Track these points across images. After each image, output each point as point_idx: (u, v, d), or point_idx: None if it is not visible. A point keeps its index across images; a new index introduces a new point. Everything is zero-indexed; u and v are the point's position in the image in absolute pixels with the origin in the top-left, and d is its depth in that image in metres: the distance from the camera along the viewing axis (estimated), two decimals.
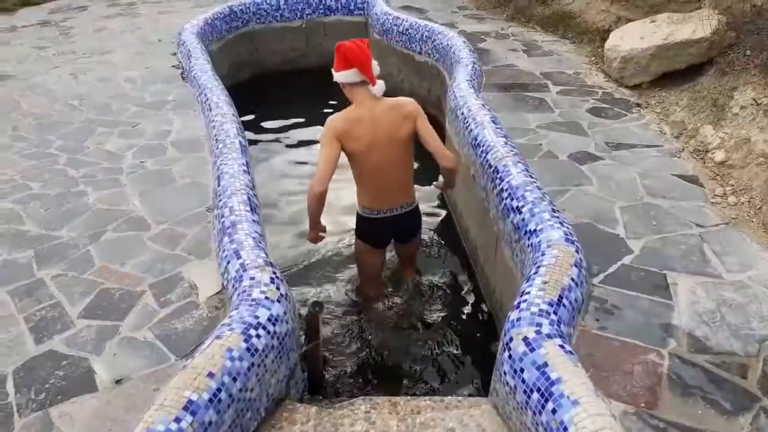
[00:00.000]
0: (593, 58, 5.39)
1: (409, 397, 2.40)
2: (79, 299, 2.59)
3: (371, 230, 3.14)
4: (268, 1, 7.05)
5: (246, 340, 2.08)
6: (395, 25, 6.24)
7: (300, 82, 6.87)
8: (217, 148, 3.62)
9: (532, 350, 2.04)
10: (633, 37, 4.84)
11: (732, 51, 4.37)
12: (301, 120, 6.02)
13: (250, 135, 5.53)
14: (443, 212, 4.56)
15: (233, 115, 4.12)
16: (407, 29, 6.07)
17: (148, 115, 4.53)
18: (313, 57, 7.34)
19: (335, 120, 2.80)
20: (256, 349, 2.10)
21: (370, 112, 2.84)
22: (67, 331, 2.42)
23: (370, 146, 2.82)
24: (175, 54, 5.89)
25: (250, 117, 6.11)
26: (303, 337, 2.66)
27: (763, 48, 4.04)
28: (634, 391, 2.09)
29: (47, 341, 2.37)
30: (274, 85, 6.89)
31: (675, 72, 4.61)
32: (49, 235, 3.06)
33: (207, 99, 4.38)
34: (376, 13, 6.64)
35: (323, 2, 7.16)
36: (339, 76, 2.83)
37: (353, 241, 4.05)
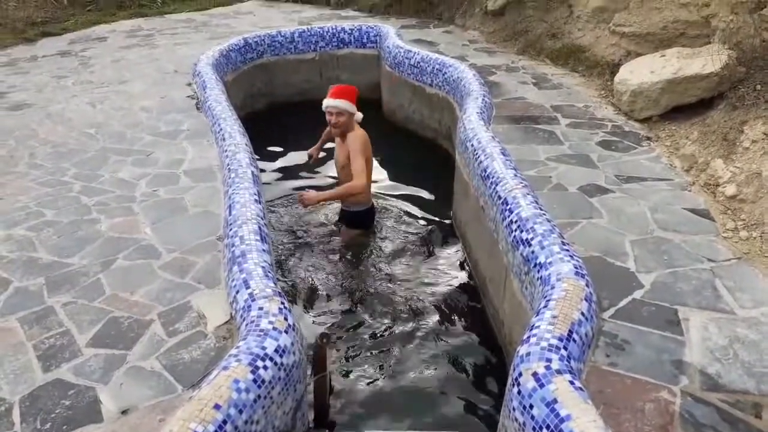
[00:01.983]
0: (603, 92, 5.42)
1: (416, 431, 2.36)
2: (88, 327, 2.60)
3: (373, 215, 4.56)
4: (282, 34, 7.20)
5: (253, 372, 2.08)
6: (407, 58, 6.34)
7: (313, 114, 6.94)
8: (230, 177, 3.66)
9: (541, 386, 2.01)
10: (643, 71, 4.87)
11: (742, 85, 4.38)
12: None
13: (262, 164, 5.59)
14: (453, 243, 4.55)
15: (246, 144, 4.17)
16: (419, 62, 6.16)
17: (163, 144, 4.60)
18: (327, 89, 7.43)
19: (366, 136, 4.16)
20: (263, 381, 2.09)
21: None
22: (74, 360, 2.42)
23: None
24: (190, 84, 6.00)
25: (264, 147, 6.20)
26: (310, 368, 2.65)
27: None
28: (646, 430, 2.05)
29: (55, 370, 2.37)
30: (288, 116, 6.98)
31: (685, 106, 4.62)
32: (61, 263, 3.09)
33: (221, 129, 4.45)
34: (388, 46, 6.75)
35: (336, 35, 7.30)
36: (358, 114, 4.24)
37: (357, 269, 4.10)
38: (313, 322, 3.70)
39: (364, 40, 7.31)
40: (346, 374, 3.28)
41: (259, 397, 2.06)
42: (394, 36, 6.92)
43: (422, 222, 4.85)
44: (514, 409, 2.10)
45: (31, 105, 5.58)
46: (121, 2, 10.40)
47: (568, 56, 6.27)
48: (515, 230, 3.02)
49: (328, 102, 4.21)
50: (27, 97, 5.81)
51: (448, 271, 4.25)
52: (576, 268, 2.62)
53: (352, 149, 4.11)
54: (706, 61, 4.54)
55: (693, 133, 4.29)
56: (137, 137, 4.75)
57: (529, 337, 2.24)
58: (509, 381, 2.20)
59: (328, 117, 4.21)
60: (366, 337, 3.57)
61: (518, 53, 6.85)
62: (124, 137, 4.75)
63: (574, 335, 2.25)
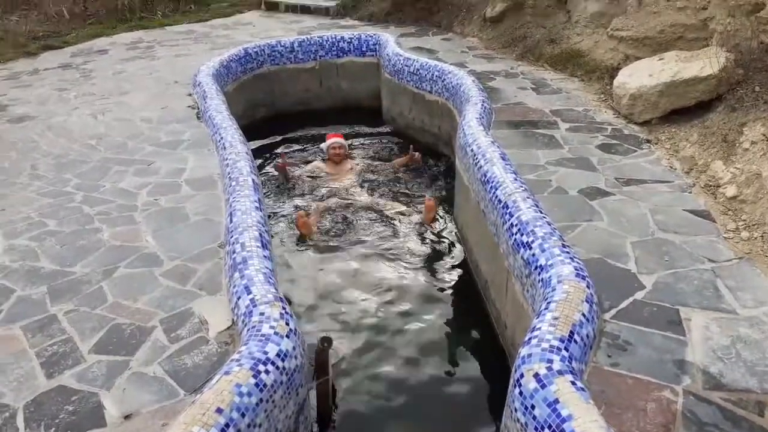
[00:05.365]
0: (602, 96, 5.44)
1: None
2: (91, 335, 2.61)
3: None
4: (282, 44, 7.23)
5: (255, 376, 2.08)
6: (406, 65, 6.37)
7: (313, 122, 7.00)
8: (230, 185, 3.68)
9: (543, 387, 2.02)
10: (641, 75, 4.89)
11: (741, 87, 4.40)
12: (312, 159, 6.13)
13: (263, 172, 5.63)
14: (455, 247, 4.56)
15: (246, 153, 4.19)
16: (418, 69, 6.19)
17: (164, 154, 4.62)
18: (327, 98, 7.50)
19: None
20: (265, 385, 2.10)
21: None
22: (77, 366, 2.43)
23: None
24: (191, 95, 6.03)
25: (265, 154, 6.23)
26: (312, 372, 2.65)
27: None
28: (648, 429, 2.05)
29: (58, 376, 2.38)
30: (289, 125, 7.02)
31: (684, 108, 4.63)
32: (64, 271, 3.10)
33: (221, 138, 4.47)
34: (387, 54, 6.79)
35: (336, 44, 7.33)
36: None
37: (358, 273, 4.12)
38: (315, 326, 3.70)
39: (364, 49, 7.34)
40: (348, 378, 3.27)
41: (261, 400, 2.07)
42: (394, 44, 6.96)
43: (423, 227, 4.85)
44: (515, 410, 2.10)
45: (33, 117, 5.61)
46: (121, 15, 10.45)
47: (567, 61, 6.29)
48: (516, 233, 3.03)
49: (336, 141, 5.78)
50: (29, 110, 5.84)
51: (449, 274, 4.26)
52: (577, 270, 2.62)
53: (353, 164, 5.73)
54: (705, 63, 4.56)
55: (693, 135, 4.30)
56: (138, 147, 4.77)
57: (530, 339, 2.24)
58: (511, 382, 2.20)
59: (337, 151, 5.75)
60: (368, 340, 3.57)
61: (517, 59, 6.87)
62: (126, 148, 4.78)
63: (576, 336, 2.26)
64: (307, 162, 6.03)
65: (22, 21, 9.75)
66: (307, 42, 7.30)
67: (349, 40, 7.34)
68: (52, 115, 5.64)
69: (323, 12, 10.04)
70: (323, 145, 5.88)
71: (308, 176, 5.69)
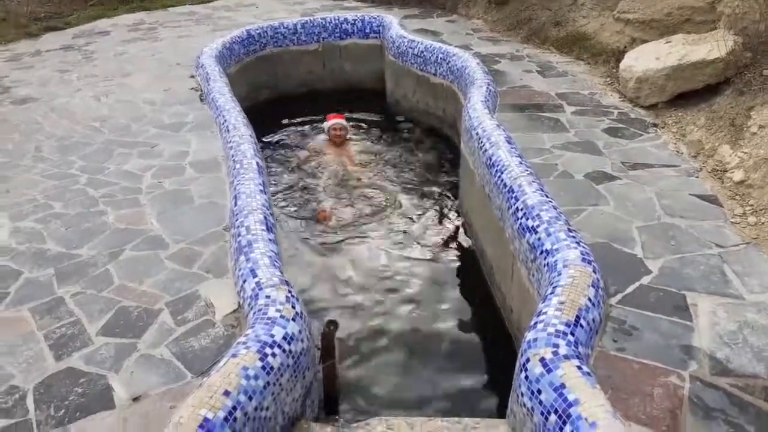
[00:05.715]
0: (608, 79, 5.39)
1: (425, 418, 2.37)
2: (98, 317, 2.62)
3: None
4: (285, 25, 7.17)
5: (261, 359, 2.09)
6: (410, 47, 6.31)
7: (316, 104, 6.96)
8: (234, 168, 3.66)
9: (549, 371, 2.02)
10: (648, 58, 4.84)
11: (748, 71, 4.35)
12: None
13: (267, 154, 5.60)
14: (460, 231, 4.55)
15: (250, 136, 4.18)
16: (422, 51, 6.13)
17: (167, 136, 4.60)
18: (330, 80, 7.44)
19: None
20: (272, 368, 2.11)
21: None
22: (85, 349, 2.44)
23: None
24: (193, 77, 5.99)
25: (268, 137, 6.21)
26: (319, 355, 2.66)
27: None
28: (655, 414, 2.05)
29: (66, 358, 2.39)
30: (292, 106, 6.98)
31: (691, 92, 4.59)
32: (70, 254, 3.10)
33: (225, 120, 4.45)
34: (391, 36, 6.73)
35: (339, 26, 7.27)
36: None
37: (364, 257, 4.13)
38: (321, 309, 3.71)
39: (367, 31, 7.27)
40: (355, 361, 3.29)
41: (268, 384, 2.07)
42: (398, 26, 6.89)
43: (429, 211, 4.85)
44: (522, 395, 2.10)
45: (35, 99, 5.59)
46: None
47: (573, 44, 6.23)
48: (521, 218, 3.02)
49: (337, 122, 5.69)
50: (31, 92, 5.81)
51: (455, 258, 4.26)
52: (583, 254, 2.61)
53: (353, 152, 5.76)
54: (712, 46, 4.51)
55: (700, 119, 4.27)
56: (142, 130, 4.75)
57: (536, 323, 2.24)
58: (517, 366, 2.21)
59: (338, 132, 5.67)
60: (374, 325, 3.57)
61: (522, 42, 6.81)
62: (129, 130, 4.76)
63: (582, 321, 2.26)
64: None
65: (24, 2, 9.67)
66: (310, 24, 7.23)
67: (353, 22, 7.27)
68: (55, 97, 5.61)
69: None
70: (324, 125, 5.81)
71: (313, 157, 5.66)
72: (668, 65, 4.61)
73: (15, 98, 5.64)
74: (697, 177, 3.65)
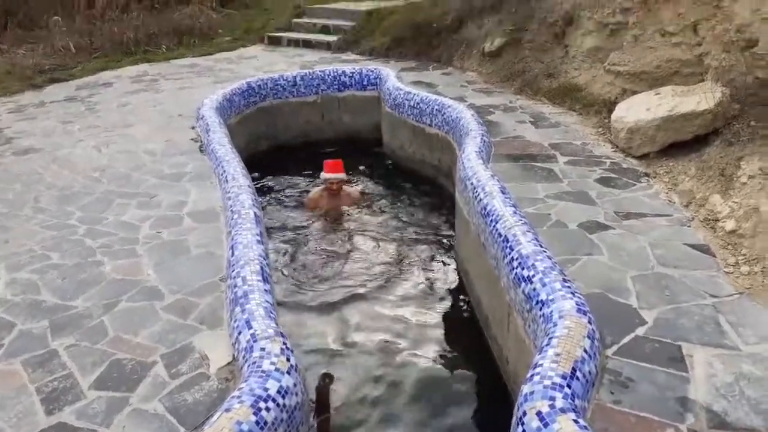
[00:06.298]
0: (600, 129, 5.50)
1: None
2: (91, 370, 2.60)
3: None
4: (284, 77, 7.35)
5: (255, 413, 2.07)
6: (407, 99, 6.46)
7: (314, 155, 7.05)
8: (232, 218, 3.70)
9: (545, 425, 2.00)
10: (639, 109, 4.95)
11: (737, 122, 4.45)
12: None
13: (265, 203, 5.66)
14: (456, 281, 4.56)
15: (249, 186, 4.23)
16: (418, 103, 6.27)
17: (166, 186, 4.66)
18: (328, 130, 7.58)
19: None
20: (266, 423, 2.09)
21: None
22: (77, 403, 2.41)
23: None
24: (194, 128, 6.10)
25: (266, 185, 6.28)
26: (313, 409, 2.63)
27: None
28: None
29: (57, 413, 2.36)
30: (290, 157, 7.08)
31: (682, 142, 4.68)
32: (65, 305, 3.10)
33: (224, 171, 4.51)
34: (388, 88, 6.89)
35: (338, 78, 7.44)
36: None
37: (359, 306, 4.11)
38: (315, 361, 3.67)
39: (365, 83, 7.45)
40: (349, 415, 3.24)
41: None
42: (394, 78, 7.06)
43: (424, 260, 4.86)
44: None
45: (37, 150, 5.67)
46: (127, 49, 10.63)
47: (565, 95, 6.38)
48: (516, 267, 3.04)
49: (333, 176, 5.64)
50: (34, 142, 5.90)
51: (451, 308, 4.25)
52: (578, 305, 2.62)
53: (352, 191, 5.92)
54: (701, 98, 4.62)
55: (690, 169, 4.34)
56: (142, 180, 4.81)
57: (532, 376, 2.24)
58: (514, 420, 2.19)
59: (333, 185, 5.67)
60: (368, 377, 3.54)
61: (516, 93, 6.96)
62: (129, 180, 4.82)
63: (578, 373, 2.25)
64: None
65: (29, 54, 9.92)
66: (310, 76, 7.41)
67: (351, 75, 7.45)
68: (57, 148, 5.70)
69: (325, 46, 10.21)
70: (322, 176, 5.85)
71: (310, 212, 5.74)
72: (659, 116, 4.72)
73: (17, 149, 5.72)
74: (689, 226, 3.69)
